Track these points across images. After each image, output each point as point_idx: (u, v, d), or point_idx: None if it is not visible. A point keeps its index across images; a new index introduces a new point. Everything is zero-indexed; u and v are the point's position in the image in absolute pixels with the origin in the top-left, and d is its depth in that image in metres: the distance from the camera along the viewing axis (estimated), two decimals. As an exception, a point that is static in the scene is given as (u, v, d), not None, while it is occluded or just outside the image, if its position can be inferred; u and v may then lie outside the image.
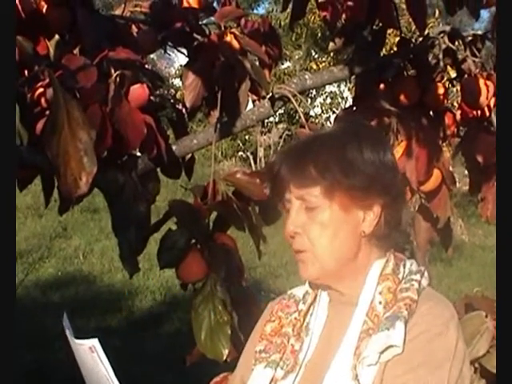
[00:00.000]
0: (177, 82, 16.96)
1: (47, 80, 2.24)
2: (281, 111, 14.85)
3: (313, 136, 1.73)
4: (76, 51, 2.44)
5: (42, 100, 2.31)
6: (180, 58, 3.00)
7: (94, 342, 1.57)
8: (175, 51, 2.83)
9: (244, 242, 2.81)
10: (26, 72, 2.37)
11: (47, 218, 10.33)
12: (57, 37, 2.49)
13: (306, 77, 2.81)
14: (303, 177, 1.60)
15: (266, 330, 1.76)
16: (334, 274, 1.64)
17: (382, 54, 3.02)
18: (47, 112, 2.26)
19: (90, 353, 1.57)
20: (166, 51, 2.84)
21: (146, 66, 2.72)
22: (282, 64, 15.94)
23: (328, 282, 1.67)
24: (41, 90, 2.31)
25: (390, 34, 3.81)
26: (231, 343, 2.34)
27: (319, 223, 1.61)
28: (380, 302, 1.59)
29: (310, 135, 1.76)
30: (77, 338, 1.62)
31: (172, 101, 2.81)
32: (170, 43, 2.76)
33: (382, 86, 2.85)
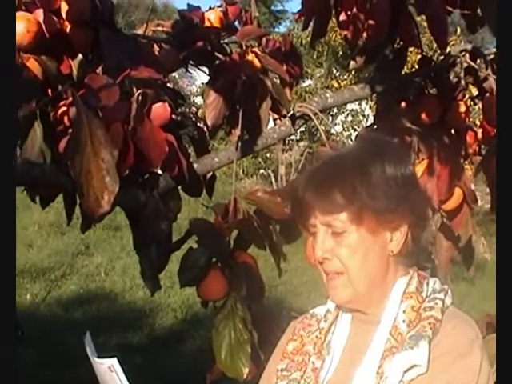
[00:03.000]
0: (198, 100, 16.99)
1: (70, 99, 2.25)
2: (302, 129, 14.84)
3: (335, 158, 1.71)
4: (99, 70, 2.46)
5: (65, 119, 2.33)
6: (201, 76, 3.01)
7: (114, 362, 1.57)
8: (197, 69, 2.85)
9: (265, 260, 2.80)
10: (49, 91, 2.39)
11: (69, 235, 10.35)
12: (80, 56, 2.51)
13: (327, 95, 2.81)
14: (329, 203, 1.59)
15: (287, 349, 1.76)
16: (365, 297, 1.63)
17: (403, 73, 3.02)
18: (70, 130, 2.28)
19: (110, 372, 1.58)
20: (187, 70, 2.86)
21: (168, 85, 2.73)
22: (303, 82, 15.92)
23: (358, 306, 1.65)
24: (64, 108, 2.33)
25: (411, 53, 3.82)
26: (251, 362, 2.34)
27: (347, 247, 1.60)
28: (403, 321, 1.58)
29: (331, 157, 1.74)
30: (98, 356, 1.62)
31: (193, 119, 2.82)
32: (191, 62, 2.78)
33: (403, 104, 2.85)
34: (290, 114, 2.67)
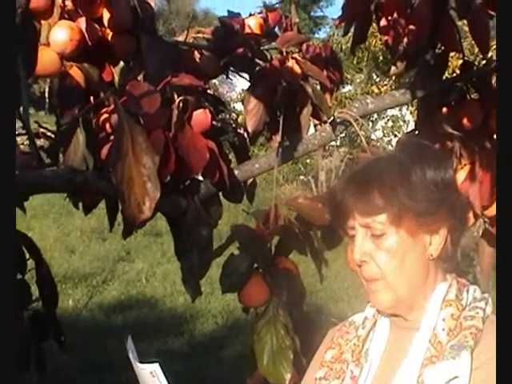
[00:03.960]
0: (238, 106, 17.05)
1: (112, 106, 2.27)
2: (342, 135, 14.82)
3: (374, 161, 1.70)
4: (140, 77, 2.48)
5: (107, 126, 2.35)
6: (241, 83, 3.02)
7: (156, 367, 1.58)
8: (237, 76, 2.85)
9: (305, 266, 2.80)
10: (91, 98, 2.41)
11: (111, 241, 10.43)
12: (121, 63, 2.54)
13: (368, 101, 2.81)
14: (369, 205, 1.58)
15: (326, 357, 1.75)
16: (406, 302, 1.61)
17: (444, 78, 3.00)
18: (112, 137, 2.30)
19: (151, 377, 1.59)
20: (228, 76, 2.87)
21: (209, 91, 2.74)
22: (343, 88, 15.90)
23: (400, 311, 1.63)
24: (106, 115, 2.35)
25: (452, 57, 3.79)
26: (293, 367, 2.33)
27: (387, 250, 1.58)
28: (443, 329, 1.56)
29: (371, 160, 1.73)
30: (140, 362, 1.63)
31: (234, 125, 2.82)
32: (232, 68, 2.79)
33: (444, 109, 2.83)
34: (330, 120, 2.67)
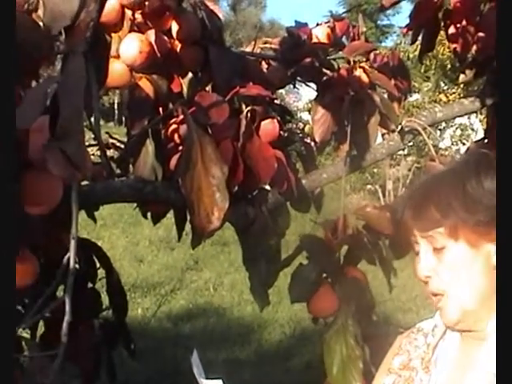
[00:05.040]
0: (305, 115, 17.03)
1: (181, 117, 2.30)
2: (409, 144, 14.70)
3: (433, 176, 1.69)
4: (208, 88, 2.50)
5: (176, 136, 2.37)
6: (308, 92, 3.02)
7: (219, 383, 1.58)
8: (303, 85, 2.86)
9: (373, 275, 2.78)
10: (160, 109, 2.44)
11: (179, 250, 10.48)
12: (190, 75, 2.56)
13: (437, 109, 2.79)
14: (426, 220, 1.57)
15: (394, 364, 1.74)
16: (473, 315, 1.58)
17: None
18: (181, 148, 2.32)
19: None
20: (295, 86, 2.87)
21: (276, 101, 2.75)
22: (411, 96, 15.78)
23: (468, 326, 1.60)
24: (174, 126, 2.38)
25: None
26: (363, 377, 2.32)
27: (449, 263, 1.56)
28: None
29: (430, 175, 1.73)
30: (205, 378, 1.64)
31: (301, 135, 2.82)
32: (299, 78, 2.79)
33: (514, 117, 2.79)
34: (398, 129, 2.65)
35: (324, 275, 2.41)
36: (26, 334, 2.07)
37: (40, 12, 1.79)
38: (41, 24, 1.70)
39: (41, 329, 2.28)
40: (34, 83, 1.76)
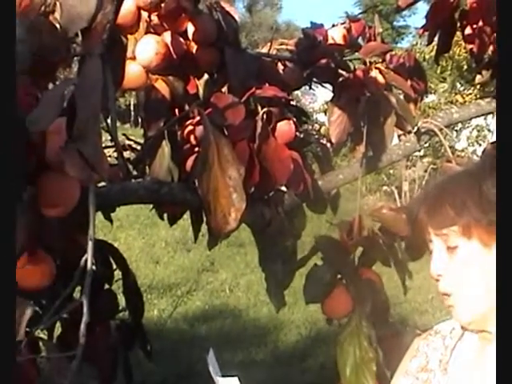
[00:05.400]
0: (320, 116, 17.01)
1: (197, 118, 2.30)
2: (426, 145, 14.64)
3: (449, 177, 1.70)
4: (224, 89, 2.50)
5: (192, 137, 2.38)
6: (323, 93, 3.02)
7: (235, 381, 1.59)
8: (319, 86, 2.86)
9: (388, 277, 2.78)
10: (176, 111, 2.45)
11: (195, 252, 10.49)
12: (206, 76, 2.57)
13: (453, 110, 2.78)
14: (441, 217, 1.57)
15: (411, 366, 1.74)
16: (487, 316, 1.58)
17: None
18: (197, 149, 2.33)
19: None
20: (311, 87, 2.87)
21: (292, 103, 2.75)
22: (427, 97, 15.73)
23: (482, 326, 1.60)
24: (190, 127, 2.38)
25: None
26: (376, 379, 2.32)
27: (462, 263, 1.56)
28: None
29: (446, 176, 1.73)
30: (221, 375, 1.64)
31: (317, 136, 2.82)
32: (315, 79, 2.79)
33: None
34: (414, 130, 2.65)
35: (339, 276, 2.41)
36: (43, 335, 2.07)
37: (57, 14, 1.80)
38: (57, 26, 1.71)
39: (57, 330, 2.29)
40: (50, 85, 1.77)
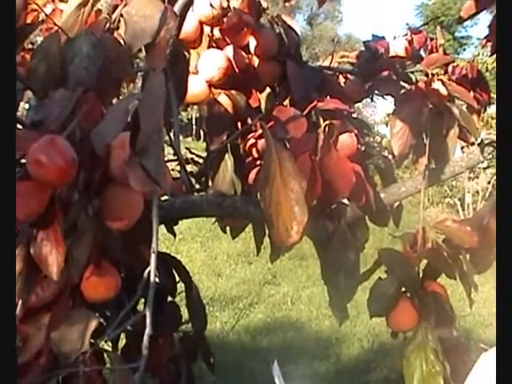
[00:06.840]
0: (382, 129, 16.93)
1: (259, 131, 2.31)
2: (489, 156, 14.45)
3: None
4: (286, 103, 2.51)
5: (254, 151, 2.39)
6: (384, 105, 3.01)
7: None
8: (380, 98, 2.85)
9: (452, 290, 2.75)
10: (239, 124, 2.46)
11: (256, 264, 10.52)
12: (268, 89, 2.58)
13: (517, 121, 2.74)
14: None
15: (478, 382, 1.72)
16: None
17: None
18: (259, 162, 2.34)
19: None
20: (372, 99, 2.86)
21: (353, 115, 2.75)
22: (490, 108, 15.55)
23: None
24: (252, 141, 2.39)
25: None
26: (443, 394, 2.29)
27: None
28: None
29: None
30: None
31: (378, 148, 2.81)
32: (376, 92, 2.78)
33: None
34: (478, 142, 2.62)
35: (403, 289, 2.39)
36: (107, 347, 2.10)
37: (121, 30, 1.83)
38: (122, 42, 1.74)
39: (122, 341, 2.32)
40: (115, 100, 1.79)
